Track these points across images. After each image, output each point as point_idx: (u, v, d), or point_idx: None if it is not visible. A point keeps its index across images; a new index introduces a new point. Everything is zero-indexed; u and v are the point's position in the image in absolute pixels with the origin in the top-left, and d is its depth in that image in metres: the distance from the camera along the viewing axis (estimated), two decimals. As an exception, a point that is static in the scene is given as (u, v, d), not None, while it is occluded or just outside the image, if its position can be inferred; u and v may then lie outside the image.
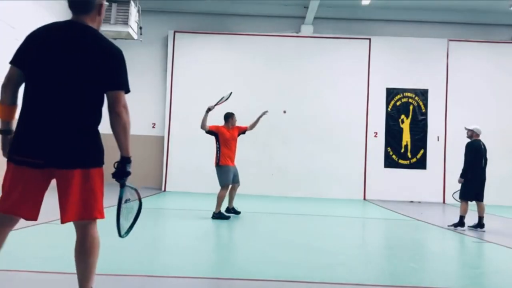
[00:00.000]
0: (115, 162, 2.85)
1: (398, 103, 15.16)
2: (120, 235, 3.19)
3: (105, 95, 2.76)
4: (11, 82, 2.67)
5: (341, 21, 15.49)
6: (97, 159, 2.77)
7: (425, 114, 15.11)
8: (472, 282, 4.41)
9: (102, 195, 2.82)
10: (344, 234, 7.03)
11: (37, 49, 2.60)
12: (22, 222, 2.55)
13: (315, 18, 14.96)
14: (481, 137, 8.26)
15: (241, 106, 15.07)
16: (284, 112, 14.87)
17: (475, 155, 7.88)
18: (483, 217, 7.85)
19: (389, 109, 15.10)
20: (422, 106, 15.12)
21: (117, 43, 13.48)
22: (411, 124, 15.10)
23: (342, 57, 15.12)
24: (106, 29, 12.99)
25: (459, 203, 8.09)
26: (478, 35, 15.39)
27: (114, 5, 12.81)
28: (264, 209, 9.87)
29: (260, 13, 15.39)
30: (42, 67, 2.58)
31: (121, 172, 2.89)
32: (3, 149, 2.78)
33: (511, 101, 15.10)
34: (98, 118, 2.76)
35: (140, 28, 13.90)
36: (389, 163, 14.70)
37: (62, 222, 2.73)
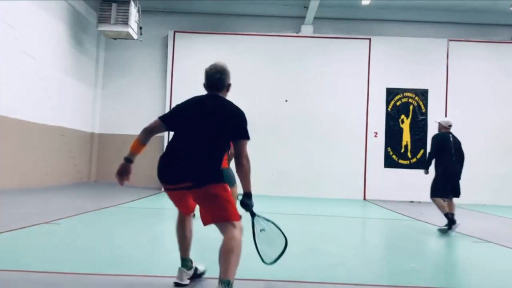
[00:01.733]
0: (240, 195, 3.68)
1: (398, 103, 15.16)
2: (263, 262, 3.91)
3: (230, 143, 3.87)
4: (154, 131, 4.04)
5: (341, 21, 15.49)
6: (220, 178, 3.61)
7: (425, 114, 15.11)
8: (472, 282, 4.41)
9: (231, 203, 3.57)
10: (344, 234, 7.03)
11: (188, 112, 3.80)
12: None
13: (315, 18, 14.96)
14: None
15: (241, 106, 15.12)
16: (286, 101, 14.85)
17: (440, 148, 7.27)
18: (453, 214, 7.22)
19: (389, 109, 15.11)
20: (422, 106, 15.12)
21: (117, 43, 13.58)
22: (411, 124, 15.10)
23: (342, 57, 15.13)
24: (106, 29, 13.01)
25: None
26: (478, 35, 15.39)
27: (114, 5, 12.81)
28: (264, 209, 9.87)
29: (260, 13, 15.39)
30: (191, 125, 3.70)
31: (245, 204, 3.70)
32: (120, 173, 4.00)
33: (511, 101, 15.10)
34: (223, 155, 3.75)
35: (140, 28, 13.90)
36: (389, 163, 14.71)
37: (204, 225, 3.72)
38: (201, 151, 3.59)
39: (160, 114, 15.96)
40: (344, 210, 11.04)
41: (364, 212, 11.58)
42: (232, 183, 7.77)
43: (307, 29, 15.33)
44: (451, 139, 7.45)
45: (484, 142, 14.87)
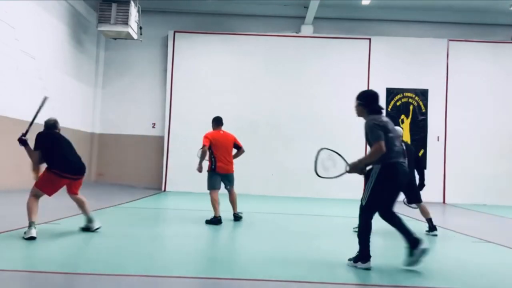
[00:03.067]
0: None
1: (398, 103, 15.15)
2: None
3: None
4: None
5: (341, 21, 15.50)
6: None
7: (425, 114, 15.11)
8: (472, 282, 4.40)
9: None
10: (344, 234, 7.03)
11: None
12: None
13: (315, 18, 14.96)
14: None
15: (241, 105, 15.13)
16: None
17: None
18: (430, 219, 7.29)
19: (389, 109, 15.10)
20: (422, 106, 15.12)
21: (117, 43, 13.58)
22: (411, 124, 15.10)
23: (342, 57, 15.13)
24: (106, 29, 13.02)
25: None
26: (478, 35, 15.39)
27: (114, 5, 12.82)
28: (264, 209, 9.87)
29: (260, 13, 15.40)
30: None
31: None
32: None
33: (511, 101, 15.10)
34: None
35: (140, 28, 13.91)
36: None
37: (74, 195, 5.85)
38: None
39: (160, 114, 16.21)
40: (344, 210, 11.03)
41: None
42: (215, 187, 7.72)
43: (307, 29, 15.33)
44: (404, 147, 7.51)
45: (484, 141, 14.87)
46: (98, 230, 6.01)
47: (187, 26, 15.46)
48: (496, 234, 7.95)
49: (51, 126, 6.41)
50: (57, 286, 3.67)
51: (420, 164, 7.98)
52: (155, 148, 15.34)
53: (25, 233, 5.28)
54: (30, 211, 5.44)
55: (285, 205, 11.33)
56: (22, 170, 11.13)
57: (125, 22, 12.88)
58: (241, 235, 7.00)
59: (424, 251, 4.55)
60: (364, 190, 4.82)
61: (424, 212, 7.39)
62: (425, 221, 7.47)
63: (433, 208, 12.16)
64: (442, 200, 14.81)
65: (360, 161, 4.82)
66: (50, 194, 5.77)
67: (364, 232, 4.72)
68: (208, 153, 7.70)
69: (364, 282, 4.16)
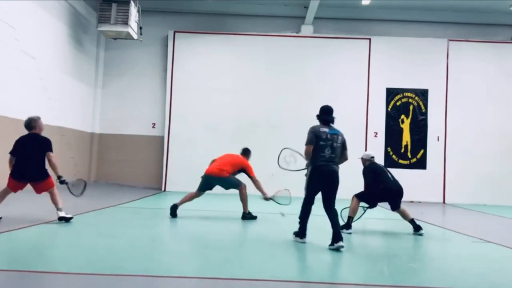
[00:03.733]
0: None
1: (398, 103, 15.15)
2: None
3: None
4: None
5: (341, 21, 15.50)
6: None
7: (425, 114, 15.11)
8: (472, 282, 4.41)
9: None
10: (344, 234, 7.02)
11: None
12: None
13: (315, 18, 14.96)
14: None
15: (241, 105, 15.13)
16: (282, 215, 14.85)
17: (374, 177, 7.42)
18: (412, 219, 7.35)
19: (389, 109, 15.11)
20: (422, 106, 15.11)
21: (117, 43, 13.56)
22: (411, 124, 15.10)
23: (342, 57, 15.13)
24: (106, 29, 13.01)
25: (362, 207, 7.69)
26: (478, 35, 15.39)
27: (114, 5, 12.81)
28: (264, 209, 9.84)
29: (260, 13, 15.40)
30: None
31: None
32: None
33: (511, 100, 15.10)
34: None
35: (140, 28, 13.91)
36: (389, 163, 14.70)
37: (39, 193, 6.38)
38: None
39: (160, 114, 16.21)
40: (344, 210, 11.02)
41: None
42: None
43: (307, 29, 15.33)
44: (380, 166, 7.79)
45: (484, 141, 14.87)
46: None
47: (187, 26, 15.46)
48: (496, 234, 7.95)
49: (25, 126, 6.93)
50: (57, 286, 3.67)
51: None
52: (155, 148, 15.33)
53: None
54: None
55: (285, 205, 11.29)
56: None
57: (125, 22, 12.88)
58: (241, 235, 7.00)
59: (338, 248, 5.50)
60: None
61: (405, 215, 7.44)
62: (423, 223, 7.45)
63: (433, 208, 12.20)
64: (442, 200, 14.81)
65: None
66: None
67: (303, 215, 6.16)
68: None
69: (364, 282, 4.16)
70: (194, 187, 14.42)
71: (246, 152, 8.92)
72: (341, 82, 15.00)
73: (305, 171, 6.14)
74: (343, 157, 6.36)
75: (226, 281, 3.97)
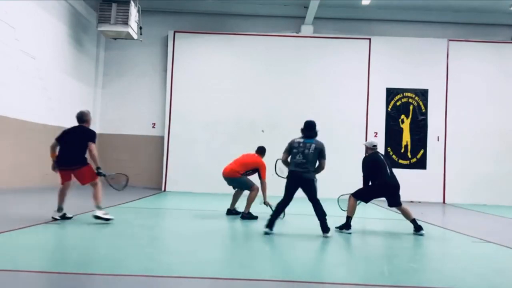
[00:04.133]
0: None
1: (398, 103, 15.16)
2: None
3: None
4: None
5: (341, 21, 15.50)
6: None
7: (425, 114, 15.11)
8: (472, 282, 4.40)
9: None
10: (344, 234, 7.03)
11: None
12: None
13: (315, 18, 14.96)
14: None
15: (241, 105, 15.13)
16: (263, 131, 14.81)
17: (373, 168, 7.33)
18: (414, 219, 7.22)
19: (389, 109, 15.11)
20: (422, 106, 15.12)
21: (117, 43, 13.53)
22: (411, 124, 15.10)
23: (342, 57, 15.13)
24: (106, 29, 13.01)
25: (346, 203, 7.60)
26: (478, 35, 15.39)
27: (114, 5, 12.81)
28: (263, 209, 9.84)
29: (260, 13, 15.40)
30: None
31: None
32: None
33: (511, 100, 15.10)
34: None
35: (140, 28, 13.90)
36: (389, 163, 14.71)
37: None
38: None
39: (160, 114, 16.20)
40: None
41: (364, 212, 11.56)
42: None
43: (307, 29, 15.33)
44: (381, 157, 7.63)
45: (484, 141, 14.87)
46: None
47: (187, 26, 15.46)
48: (496, 234, 7.95)
49: (77, 119, 7.18)
50: (57, 286, 3.67)
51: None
52: (155, 148, 15.33)
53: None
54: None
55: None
56: (22, 170, 11.15)
57: (125, 22, 12.87)
58: (241, 235, 7.01)
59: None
60: None
61: (407, 215, 7.32)
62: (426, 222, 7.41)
63: (433, 208, 12.20)
64: (442, 200, 14.81)
65: None
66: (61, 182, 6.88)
67: (277, 208, 6.89)
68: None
69: (364, 282, 4.16)
70: (194, 187, 14.55)
71: (261, 151, 9.04)
72: (341, 82, 15.01)
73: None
74: (319, 166, 6.88)
75: (226, 281, 3.97)
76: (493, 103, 15.04)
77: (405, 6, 15.01)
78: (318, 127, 7.21)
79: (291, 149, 6.91)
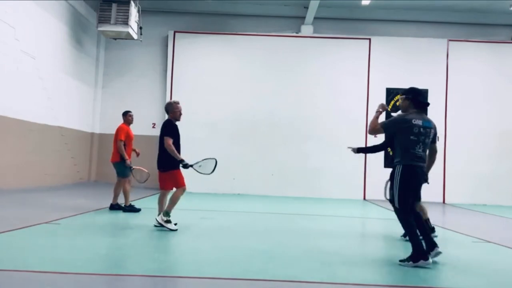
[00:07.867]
0: None
1: (398, 103, 15.14)
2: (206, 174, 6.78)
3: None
4: None
5: (341, 21, 15.51)
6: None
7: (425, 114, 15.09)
8: (472, 282, 4.40)
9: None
10: (344, 234, 7.03)
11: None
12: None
13: (315, 18, 14.97)
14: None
15: (241, 105, 15.13)
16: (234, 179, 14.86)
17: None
18: (427, 219, 7.04)
19: (389, 109, 15.11)
20: (422, 106, 15.09)
21: (117, 43, 13.58)
22: (411, 124, 15.08)
23: (342, 57, 15.14)
24: (106, 29, 13.02)
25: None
26: (478, 35, 15.40)
27: (114, 5, 12.82)
28: (264, 209, 9.86)
29: (260, 13, 15.41)
30: None
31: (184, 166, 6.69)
32: None
33: (511, 100, 15.11)
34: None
35: (140, 28, 13.91)
36: (389, 163, 14.68)
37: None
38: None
39: (160, 114, 16.26)
40: (344, 210, 11.05)
41: (364, 212, 11.58)
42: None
43: (307, 29, 15.34)
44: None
45: (484, 141, 14.87)
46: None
47: (187, 26, 15.46)
48: (496, 234, 7.95)
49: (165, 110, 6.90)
50: (57, 286, 3.66)
51: None
52: (155, 148, 15.26)
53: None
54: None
55: (285, 205, 11.32)
56: (22, 170, 11.14)
57: (125, 22, 12.88)
58: (241, 235, 7.00)
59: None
60: None
61: (422, 213, 7.22)
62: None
63: (433, 208, 12.17)
64: (442, 200, 14.81)
65: None
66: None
67: (420, 225, 5.38)
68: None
69: (364, 282, 4.16)
70: (194, 187, 14.49)
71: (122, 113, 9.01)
72: (341, 82, 15.02)
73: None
74: (432, 159, 5.90)
75: (226, 281, 3.97)
76: (493, 103, 15.05)
77: (405, 6, 15.01)
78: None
79: (402, 130, 5.03)
